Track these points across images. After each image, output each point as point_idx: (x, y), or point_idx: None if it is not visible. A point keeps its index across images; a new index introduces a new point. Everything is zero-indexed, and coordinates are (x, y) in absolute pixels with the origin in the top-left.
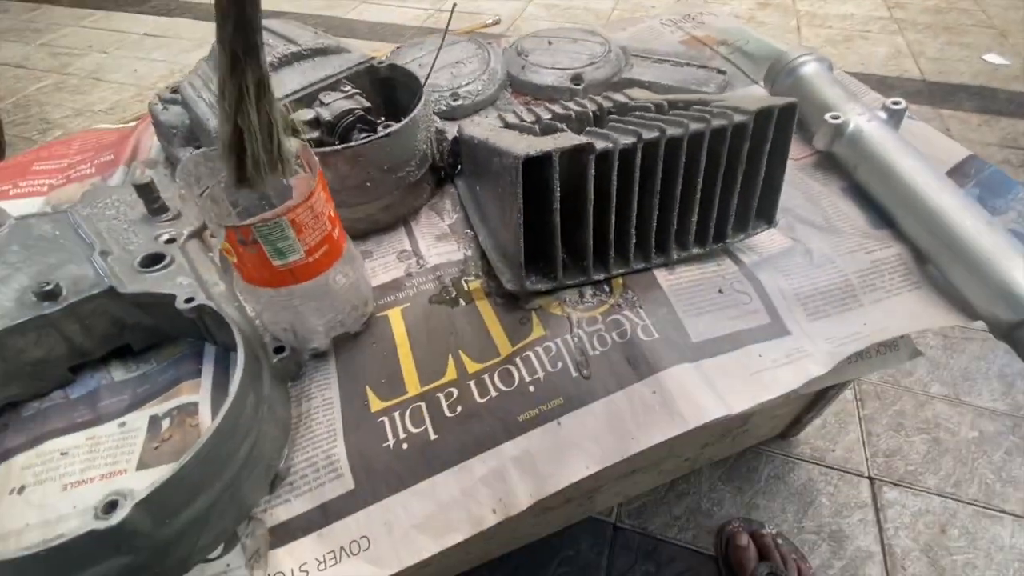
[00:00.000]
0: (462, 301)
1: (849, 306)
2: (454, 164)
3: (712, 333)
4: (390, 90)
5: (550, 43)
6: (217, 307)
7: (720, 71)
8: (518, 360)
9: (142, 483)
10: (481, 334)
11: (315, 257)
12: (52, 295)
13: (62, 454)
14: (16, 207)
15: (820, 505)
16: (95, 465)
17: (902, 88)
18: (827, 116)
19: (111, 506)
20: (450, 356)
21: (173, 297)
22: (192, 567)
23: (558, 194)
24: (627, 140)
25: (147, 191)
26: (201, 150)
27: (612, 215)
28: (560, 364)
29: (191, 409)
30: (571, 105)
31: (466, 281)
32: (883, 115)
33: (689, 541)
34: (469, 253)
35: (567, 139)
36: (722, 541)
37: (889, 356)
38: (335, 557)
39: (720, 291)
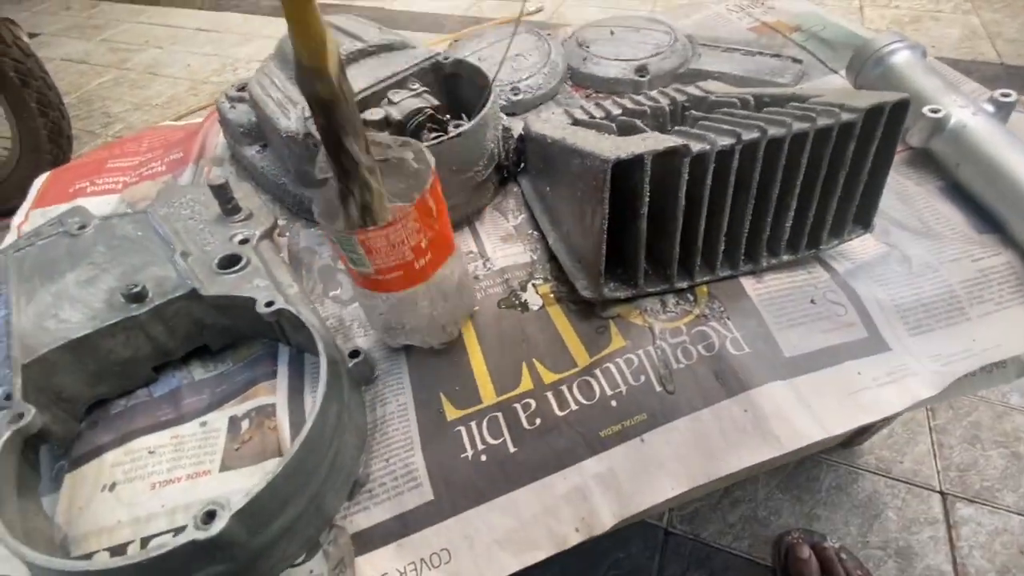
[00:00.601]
0: (532, 307)
1: (955, 320)
2: (518, 162)
3: (806, 348)
4: (453, 85)
5: (612, 33)
6: (296, 311)
7: (795, 60)
8: (598, 372)
9: (226, 485)
10: (555, 343)
11: (387, 278)
12: (139, 297)
13: (150, 452)
14: (94, 204)
15: (887, 519)
16: (181, 465)
17: (978, 73)
18: (925, 109)
19: (209, 516)
20: (524, 365)
21: (253, 301)
22: (279, 575)
23: (647, 199)
24: (725, 141)
25: (222, 192)
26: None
27: (702, 221)
28: (643, 378)
29: (268, 411)
30: (642, 99)
31: (534, 285)
32: (989, 108)
33: (744, 550)
34: (536, 256)
35: (659, 140)
36: (780, 552)
37: (996, 375)
38: (415, 569)
39: (812, 301)
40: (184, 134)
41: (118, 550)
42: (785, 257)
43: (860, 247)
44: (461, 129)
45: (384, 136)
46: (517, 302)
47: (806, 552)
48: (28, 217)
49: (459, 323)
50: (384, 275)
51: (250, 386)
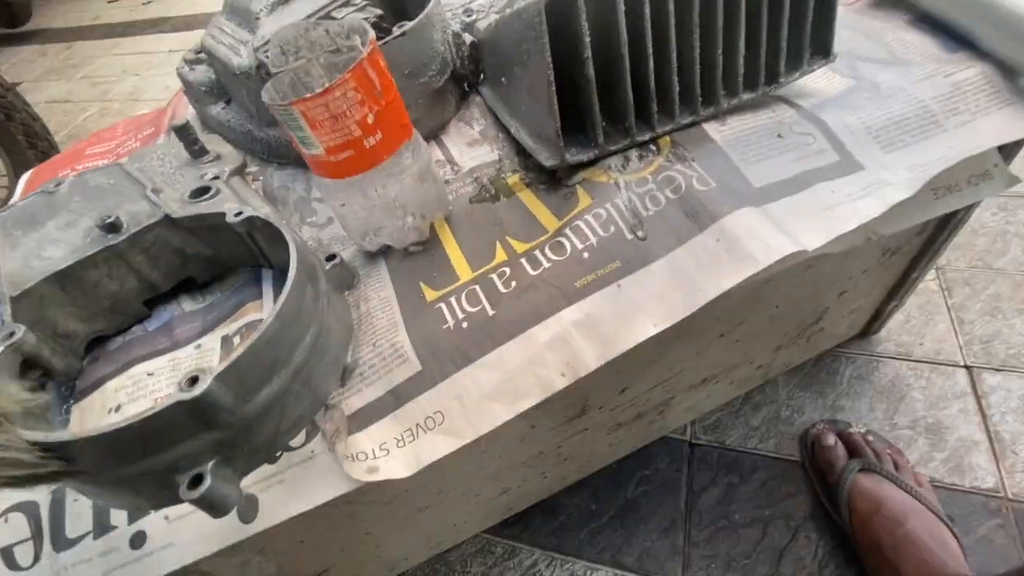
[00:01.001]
0: (503, 196)
1: (931, 132)
2: (476, 72)
3: (775, 177)
4: (400, 5)
5: None
6: (265, 216)
7: None
8: (567, 231)
9: None
10: (526, 219)
11: (339, 158)
12: (115, 227)
13: (149, 375)
14: None
15: (912, 400)
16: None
17: None
18: None
19: (193, 380)
20: (498, 243)
21: (223, 215)
22: (279, 451)
23: (588, 40)
24: None
25: (185, 132)
26: (303, 21)
27: (650, 60)
28: (613, 228)
29: (256, 325)
30: None
31: (503, 177)
32: None
33: (771, 450)
34: (503, 152)
35: None
36: (807, 445)
37: (983, 186)
38: (412, 434)
39: (779, 136)
40: (155, 113)
41: None
42: (745, 96)
43: (826, 84)
44: (405, 28)
45: (330, 24)
46: (488, 195)
47: (831, 439)
48: None
49: (428, 219)
50: (335, 154)
51: (239, 308)
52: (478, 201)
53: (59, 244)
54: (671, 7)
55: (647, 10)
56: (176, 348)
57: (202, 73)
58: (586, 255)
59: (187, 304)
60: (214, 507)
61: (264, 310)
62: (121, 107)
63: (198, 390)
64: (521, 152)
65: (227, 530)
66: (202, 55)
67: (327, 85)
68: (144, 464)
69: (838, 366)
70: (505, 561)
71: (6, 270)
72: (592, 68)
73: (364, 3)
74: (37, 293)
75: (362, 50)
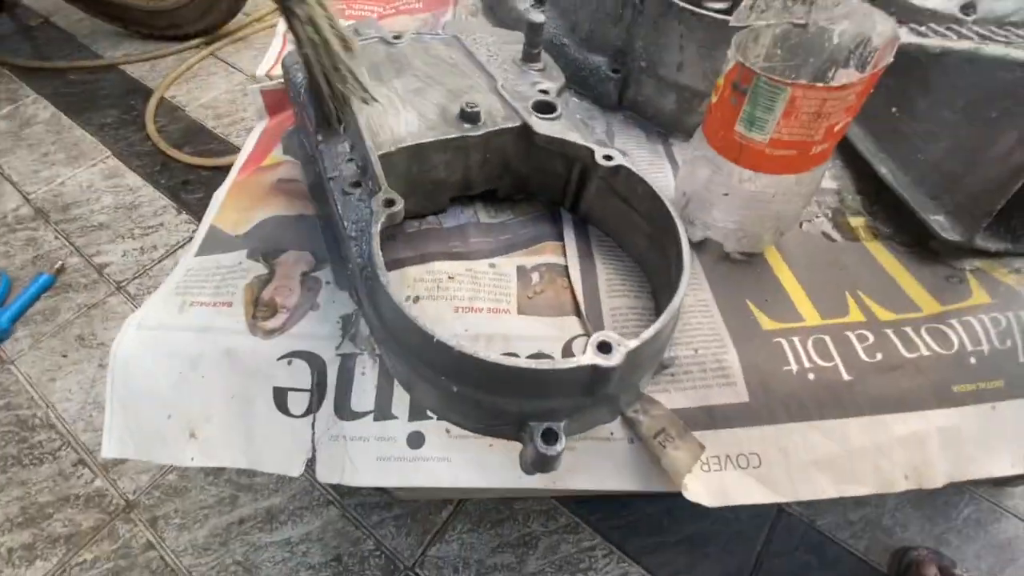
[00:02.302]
0: (842, 238)
1: None
2: None
3: None
4: None
5: None
6: (638, 172)
7: None
8: (955, 323)
9: (525, 327)
10: (883, 280)
11: (776, 153)
12: (474, 118)
13: (449, 278)
14: None
15: (1022, 567)
16: (479, 297)
17: None
18: None
19: (606, 347)
20: (848, 295)
21: (591, 151)
22: (591, 428)
23: None
24: None
25: (535, 34)
26: None
27: None
28: (1009, 342)
29: (559, 270)
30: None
31: (844, 215)
32: None
33: (860, 550)
34: (841, 183)
35: None
36: (901, 563)
37: None
38: (719, 463)
39: None
40: None
41: None
42: None
43: None
44: None
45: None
46: (821, 230)
47: (932, 571)
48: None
49: (775, 235)
50: (775, 148)
51: (535, 242)
52: (813, 232)
53: (412, 112)
54: None
55: None
56: (470, 258)
57: None
58: (973, 360)
59: (483, 215)
60: (546, 465)
61: (568, 257)
62: None
63: (614, 361)
64: (863, 191)
65: (500, 472)
66: None
67: (845, 83)
68: (511, 401)
69: (958, 500)
70: (565, 533)
71: (368, 120)
72: None
73: None
74: (393, 160)
75: (888, 57)
